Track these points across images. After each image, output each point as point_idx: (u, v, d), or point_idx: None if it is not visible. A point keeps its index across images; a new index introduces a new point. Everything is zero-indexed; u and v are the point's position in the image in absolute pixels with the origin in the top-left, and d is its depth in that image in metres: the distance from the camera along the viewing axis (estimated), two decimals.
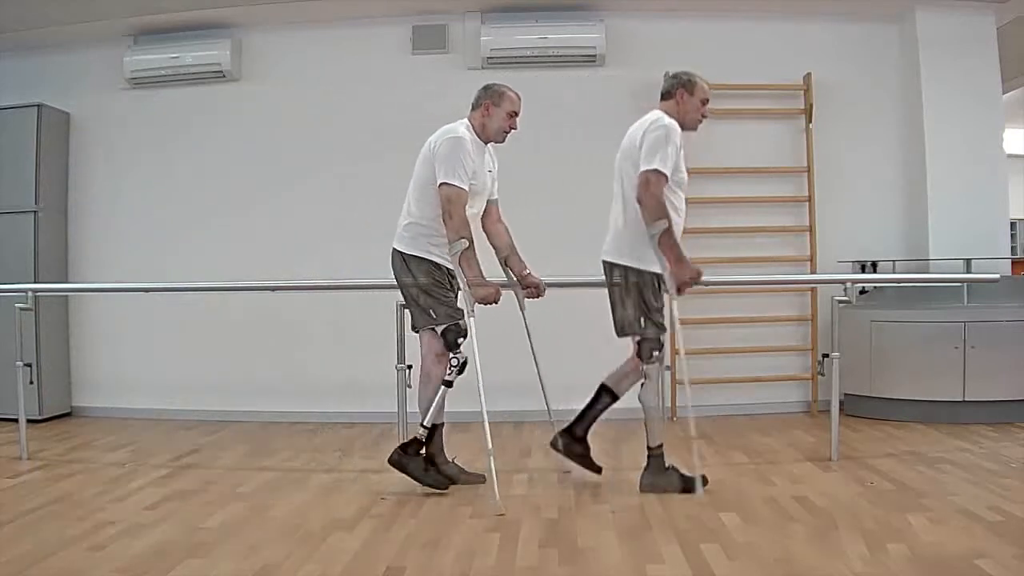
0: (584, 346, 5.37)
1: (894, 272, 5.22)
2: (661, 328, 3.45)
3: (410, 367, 3.89)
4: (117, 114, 5.75)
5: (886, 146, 5.59)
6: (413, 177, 3.57)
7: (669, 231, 3.29)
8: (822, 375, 4.08)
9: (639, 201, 3.31)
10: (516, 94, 3.56)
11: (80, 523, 3.03)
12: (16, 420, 4.35)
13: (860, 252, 5.36)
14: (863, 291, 5.25)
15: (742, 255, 5.33)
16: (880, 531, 2.78)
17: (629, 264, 3.44)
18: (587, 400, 3.63)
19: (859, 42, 5.56)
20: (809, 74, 5.41)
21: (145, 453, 4.44)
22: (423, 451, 3.47)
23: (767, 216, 5.46)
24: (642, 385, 3.46)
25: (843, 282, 4.07)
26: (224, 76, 5.59)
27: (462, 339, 3.47)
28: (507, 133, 3.55)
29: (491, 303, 3.45)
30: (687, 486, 3.34)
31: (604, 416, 3.63)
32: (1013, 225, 6.85)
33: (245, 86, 5.66)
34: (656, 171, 3.27)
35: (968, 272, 4.96)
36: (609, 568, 2.53)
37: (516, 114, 3.54)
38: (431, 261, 3.48)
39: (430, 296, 3.46)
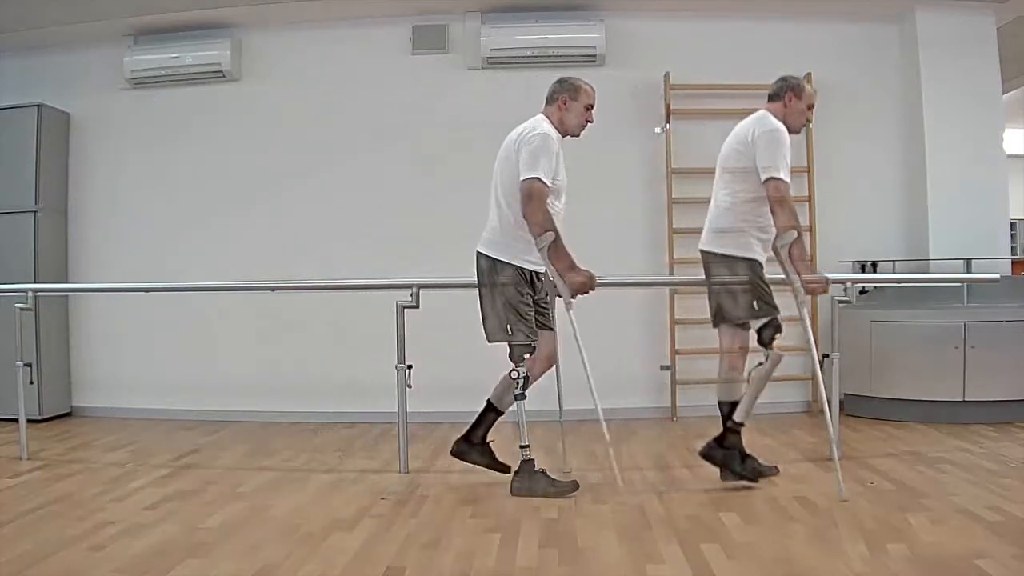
0: (585, 346, 5.38)
1: (894, 272, 5.22)
2: (776, 309, 3.44)
3: (410, 367, 3.89)
4: (117, 114, 5.76)
5: (886, 146, 5.59)
6: (497, 180, 3.50)
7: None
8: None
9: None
10: (591, 87, 3.53)
11: (80, 523, 3.03)
12: (16, 420, 4.35)
13: (860, 252, 5.36)
14: (863, 291, 5.25)
15: None
16: (880, 531, 2.78)
17: (732, 253, 3.44)
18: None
19: (859, 42, 5.56)
20: (809, 74, 5.39)
21: (145, 453, 4.43)
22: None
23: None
24: (757, 367, 3.42)
25: (843, 282, 4.07)
26: (224, 76, 5.59)
27: (528, 355, 3.46)
28: (584, 127, 3.52)
29: (588, 292, 3.39)
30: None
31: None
32: (1013, 225, 6.85)
33: (245, 86, 5.67)
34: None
35: (968, 272, 4.96)
36: (609, 568, 2.53)
37: (592, 107, 3.52)
38: (519, 267, 3.43)
39: (513, 311, 3.40)
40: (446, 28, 5.56)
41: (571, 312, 3.39)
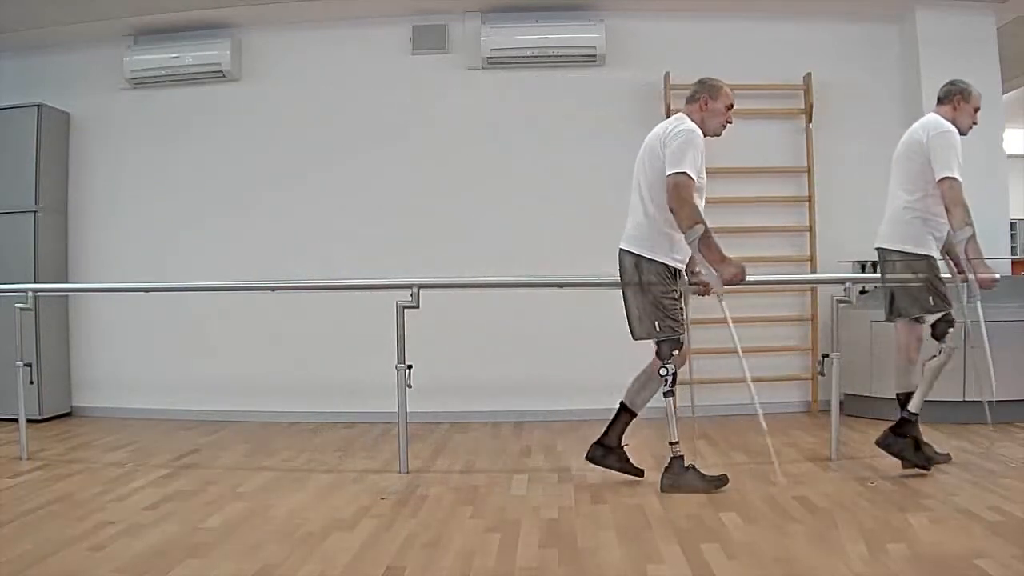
0: (585, 346, 5.39)
1: None
2: (950, 304, 3.60)
3: (410, 367, 3.89)
4: (117, 114, 5.76)
5: (886, 146, 5.55)
6: (641, 177, 3.47)
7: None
8: (822, 375, 4.08)
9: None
10: (729, 87, 3.55)
11: (80, 523, 3.03)
12: (16, 420, 4.35)
13: (860, 252, 5.34)
14: (863, 291, 5.24)
15: (742, 255, 5.26)
16: (880, 531, 2.78)
17: (908, 249, 3.58)
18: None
19: (859, 42, 5.56)
20: (809, 74, 5.41)
21: (145, 453, 4.44)
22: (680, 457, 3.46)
23: (767, 216, 5.47)
24: (931, 359, 3.63)
25: (843, 282, 4.07)
26: (224, 76, 5.59)
27: (676, 351, 3.46)
28: (724, 127, 3.53)
29: (739, 283, 3.38)
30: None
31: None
32: (1013, 225, 6.83)
33: (245, 86, 5.67)
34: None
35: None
36: (609, 568, 2.53)
37: (732, 107, 3.53)
38: (665, 264, 3.42)
39: (660, 308, 3.40)
40: (446, 28, 5.56)
41: (724, 303, 3.43)
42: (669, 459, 3.43)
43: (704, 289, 3.62)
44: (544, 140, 5.51)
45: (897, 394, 3.73)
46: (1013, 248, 5.92)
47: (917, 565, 2.45)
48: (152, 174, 5.73)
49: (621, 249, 3.49)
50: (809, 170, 5.45)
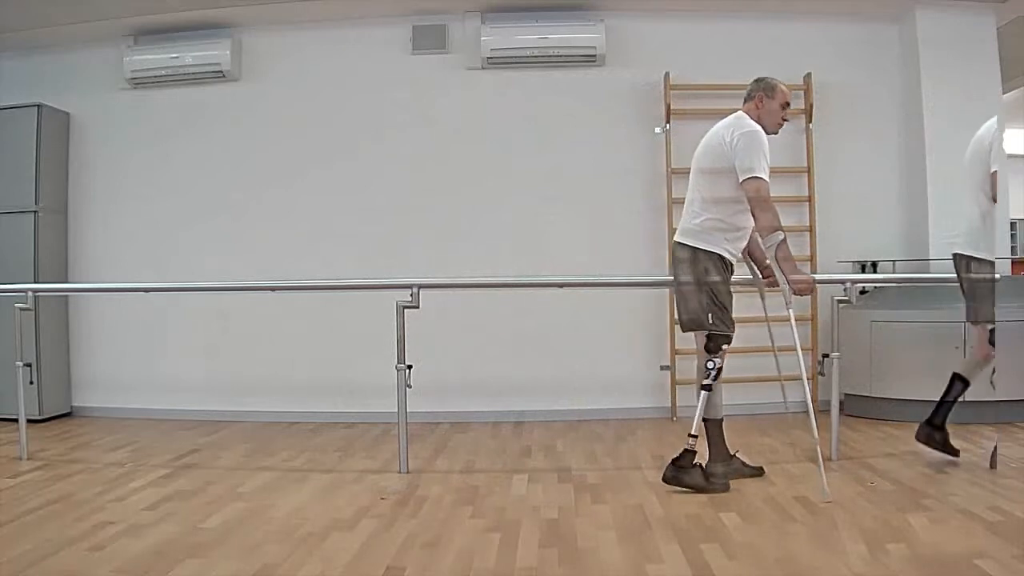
0: (585, 346, 5.39)
1: (894, 272, 5.21)
2: None
3: (410, 367, 3.89)
4: (117, 114, 5.75)
5: (886, 146, 5.59)
6: (699, 173, 3.49)
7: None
8: (822, 375, 4.08)
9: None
10: (785, 86, 3.58)
11: (80, 523, 3.03)
12: (16, 420, 4.35)
13: (860, 252, 5.36)
14: (863, 291, 5.25)
15: None
16: (880, 531, 2.78)
17: (986, 256, 3.72)
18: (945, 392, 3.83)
19: (859, 42, 5.56)
20: (809, 74, 5.41)
21: (145, 453, 4.43)
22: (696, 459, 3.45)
23: None
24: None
25: (843, 282, 4.07)
26: (224, 76, 5.59)
27: (726, 345, 3.47)
28: (780, 126, 3.56)
29: (807, 295, 3.46)
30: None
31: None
32: (1013, 225, 6.82)
33: (245, 86, 5.67)
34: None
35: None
36: (609, 568, 2.53)
37: (788, 105, 3.56)
38: (722, 257, 3.44)
39: (716, 303, 3.42)
40: (446, 28, 5.55)
41: (791, 310, 3.45)
42: (681, 450, 3.42)
43: (771, 282, 3.59)
44: (544, 140, 5.51)
45: (955, 374, 3.86)
46: (1013, 248, 5.91)
47: (917, 565, 2.45)
48: (152, 174, 5.73)
49: (677, 242, 3.52)
50: (809, 170, 5.45)
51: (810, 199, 5.44)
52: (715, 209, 3.41)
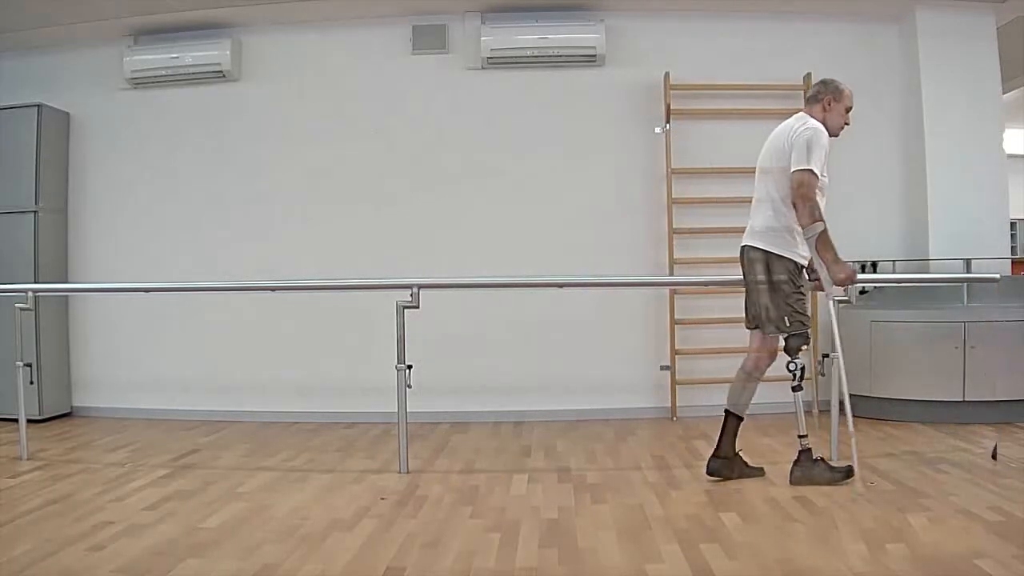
0: (584, 346, 5.39)
1: (894, 272, 5.21)
2: None
3: (410, 367, 3.89)
4: (117, 114, 5.75)
5: (886, 146, 5.59)
6: (766, 174, 3.51)
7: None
8: (822, 375, 4.08)
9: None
10: (850, 89, 3.60)
11: (80, 523, 3.03)
12: (16, 420, 4.35)
13: (860, 252, 5.35)
14: (863, 291, 5.25)
15: None
16: (880, 531, 2.78)
17: None
18: None
19: (859, 42, 5.56)
20: (809, 74, 5.40)
21: (145, 453, 4.43)
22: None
23: None
24: None
25: None
26: (224, 76, 5.59)
27: (805, 346, 3.48)
28: (843, 128, 3.59)
29: (850, 285, 3.47)
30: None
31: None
32: (1013, 225, 6.84)
33: (245, 86, 5.67)
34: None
35: (968, 272, 4.96)
36: (609, 568, 2.53)
37: (851, 108, 3.58)
38: (794, 260, 3.45)
39: (790, 304, 3.44)
40: (446, 28, 5.56)
41: (831, 301, 3.48)
42: (798, 452, 3.47)
43: (818, 285, 3.60)
44: (544, 140, 5.51)
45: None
46: (1013, 248, 5.91)
47: (917, 565, 2.45)
48: (152, 174, 5.73)
49: (748, 246, 3.53)
50: None
51: None
52: (784, 210, 3.42)
